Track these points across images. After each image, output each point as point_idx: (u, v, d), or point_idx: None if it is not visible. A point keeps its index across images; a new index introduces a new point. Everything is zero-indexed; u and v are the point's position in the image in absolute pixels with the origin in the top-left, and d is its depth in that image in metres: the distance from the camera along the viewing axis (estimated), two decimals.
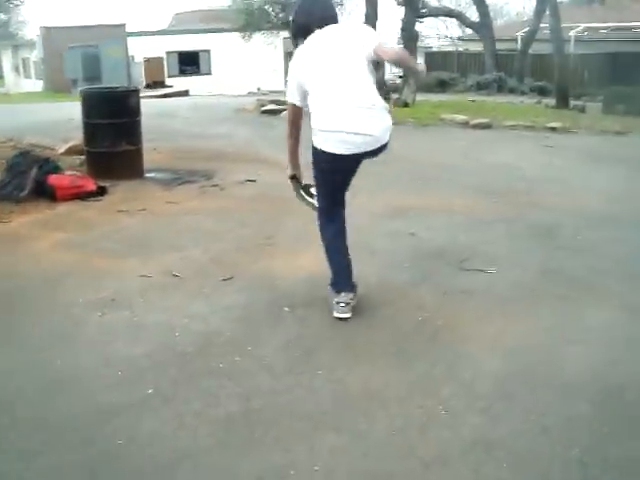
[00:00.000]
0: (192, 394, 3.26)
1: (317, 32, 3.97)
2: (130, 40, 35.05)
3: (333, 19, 4.09)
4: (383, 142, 3.90)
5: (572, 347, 3.76)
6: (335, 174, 4.07)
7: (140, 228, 6.12)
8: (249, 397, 3.22)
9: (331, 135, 3.86)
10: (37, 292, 4.56)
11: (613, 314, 4.25)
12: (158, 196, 7.29)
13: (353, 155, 3.90)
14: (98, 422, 3.02)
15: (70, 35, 30.38)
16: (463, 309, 4.28)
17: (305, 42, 4.00)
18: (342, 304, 4.05)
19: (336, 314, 4.05)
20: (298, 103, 4.04)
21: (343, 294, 4.08)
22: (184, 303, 4.35)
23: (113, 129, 7.91)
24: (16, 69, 43.05)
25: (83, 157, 8.52)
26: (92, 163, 8.12)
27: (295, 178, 4.40)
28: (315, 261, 5.05)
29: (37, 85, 37.55)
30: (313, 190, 4.34)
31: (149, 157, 8.77)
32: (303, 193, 4.47)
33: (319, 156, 3.97)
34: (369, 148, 3.88)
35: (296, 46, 4.08)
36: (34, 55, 38.65)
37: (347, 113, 3.83)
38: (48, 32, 33.86)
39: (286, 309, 4.22)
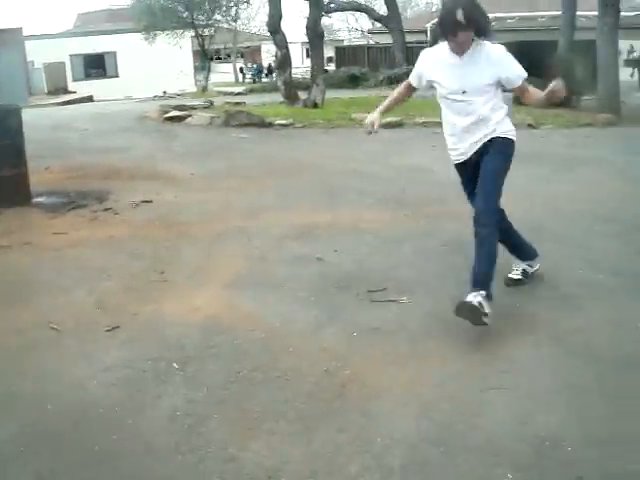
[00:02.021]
0: None
1: None
2: (29, 44, 33.63)
3: None
4: None
5: (491, 395, 3.39)
6: None
7: (21, 267, 5.53)
8: None
9: None
10: None
11: (540, 348, 3.91)
12: (45, 225, 6.68)
13: None
14: None
15: None
16: (374, 352, 3.88)
17: None
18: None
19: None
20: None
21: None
22: (61, 365, 3.81)
23: None
24: None
25: None
26: None
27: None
28: (212, 302, 4.61)
29: None
30: None
31: (39, 178, 8.15)
32: None
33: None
34: None
35: None
36: None
37: None
38: None
39: (175, 365, 3.73)
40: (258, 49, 51.64)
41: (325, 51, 21.41)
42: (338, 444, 3.01)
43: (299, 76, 26.97)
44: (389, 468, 2.84)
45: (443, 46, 4.17)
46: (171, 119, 14.71)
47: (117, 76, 38.51)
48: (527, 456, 2.90)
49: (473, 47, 4.08)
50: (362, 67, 28.75)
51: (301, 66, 39.14)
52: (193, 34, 33.20)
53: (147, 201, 7.39)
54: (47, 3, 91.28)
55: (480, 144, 4.28)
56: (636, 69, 30.62)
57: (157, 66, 34.47)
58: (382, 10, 30.61)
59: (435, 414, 3.24)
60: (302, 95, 18.11)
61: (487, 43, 4.13)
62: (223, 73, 48.73)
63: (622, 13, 19.05)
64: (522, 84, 4.22)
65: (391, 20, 26.82)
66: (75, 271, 5.34)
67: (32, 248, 5.94)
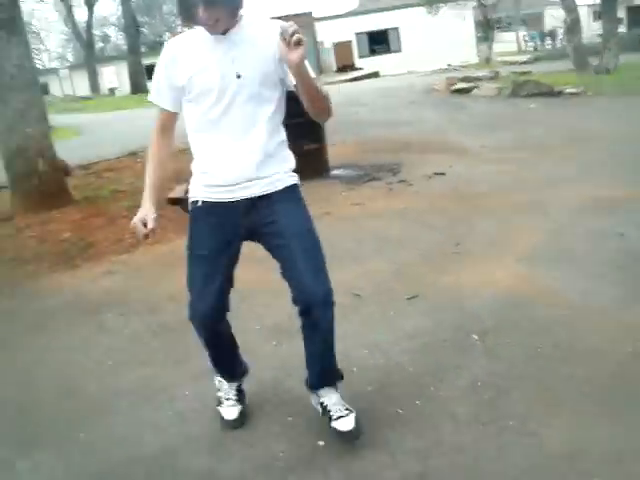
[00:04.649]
0: (366, 448, 2.90)
1: None
2: (318, 25, 35.29)
3: None
4: None
5: None
6: None
7: (323, 235, 5.81)
8: (427, 454, 2.82)
9: None
10: None
11: None
12: (343, 197, 7.04)
13: None
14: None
15: None
16: None
17: None
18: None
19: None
20: None
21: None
22: (364, 329, 4.02)
23: (295, 129, 7.57)
24: None
25: None
26: None
27: None
28: (509, 274, 4.57)
29: None
30: None
31: (334, 151, 8.56)
32: None
33: None
34: None
35: None
36: None
37: None
38: None
39: (475, 337, 3.77)
40: (540, 15, 49.60)
41: None
42: None
43: (585, 41, 25.55)
44: None
45: (195, 31, 2.71)
46: (457, 91, 14.68)
47: (400, 51, 39.12)
48: None
49: (240, 25, 2.66)
50: None
51: (587, 31, 37.05)
52: (475, 4, 32.76)
53: (439, 173, 7.49)
54: None
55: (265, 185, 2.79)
56: None
57: (439, 39, 34.56)
58: None
59: None
60: (592, 61, 17.17)
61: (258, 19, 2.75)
62: (505, 42, 47.56)
63: None
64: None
65: None
66: (373, 241, 5.57)
67: (332, 218, 6.29)
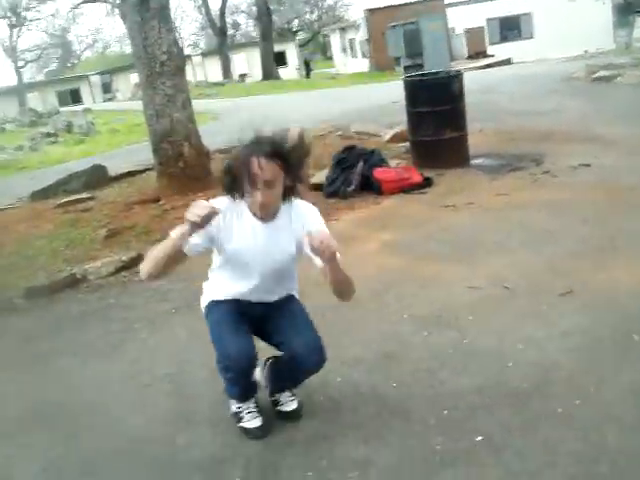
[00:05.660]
0: (526, 446, 2.84)
1: None
2: (449, 11, 34.74)
3: None
4: None
5: None
6: None
7: (467, 226, 5.79)
8: (593, 456, 2.73)
9: None
10: (364, 306, 4.36)
11: None
12: (485, 187, 6.91)
13: None
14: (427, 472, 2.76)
15: (391, 14, 31.16)
16: None
17: None
18: None
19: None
20: None
21: None
22: (517, 324, 3.92)
23: (437, 117, 7.67)
24: (344, 50, 44.93)
25: (407, 144, 8.45)
26: (416, 152, 8.00)
27: None
28: None
29: (363, 64, 38.85)
30: None
31: (473, 140, 8.41)
32: None
33: None
34: None
35: None
36: (359, 36, 39.99)
37: None
38: (371, 13, 35.03)
39: (635, 337, 3.60)
40: None
41: None
42: None
43: None
44: None
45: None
46: (599, 79, 14.13)
47: (532, 37, 38.01)
48: None
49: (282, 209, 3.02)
50: None
51: None
52: None
53: (585, 164, 7.22)
54: None
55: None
56: None
57: (574, 24, 33.30)
58: None
59: None
60: None
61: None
62: None
63: None
64: None
65: None
66: (520, 232, 5.44)
67: (476, 208, 6.19)
